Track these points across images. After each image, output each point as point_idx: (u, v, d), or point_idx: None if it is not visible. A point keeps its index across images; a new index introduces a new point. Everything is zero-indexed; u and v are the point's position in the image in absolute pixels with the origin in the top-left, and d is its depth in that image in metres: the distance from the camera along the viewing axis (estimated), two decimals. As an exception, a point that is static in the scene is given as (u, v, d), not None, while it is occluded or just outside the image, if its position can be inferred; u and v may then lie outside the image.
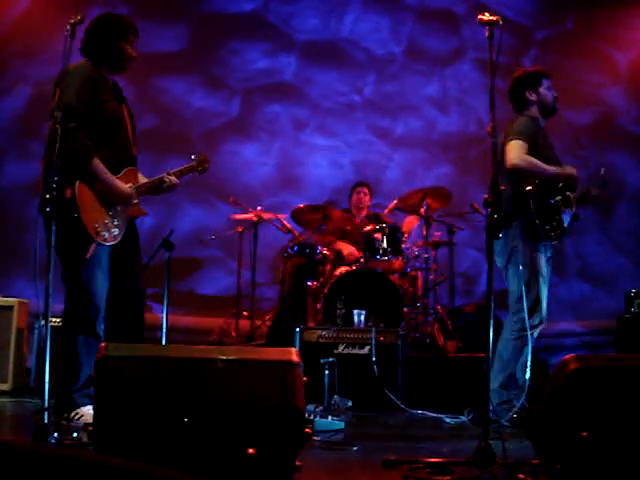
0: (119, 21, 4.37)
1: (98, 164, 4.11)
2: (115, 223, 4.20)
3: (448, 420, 4.91)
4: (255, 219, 7.29)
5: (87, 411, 4.02)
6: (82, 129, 4.07)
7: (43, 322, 3.46)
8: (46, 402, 3.37)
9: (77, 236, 4.06)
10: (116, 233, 4.20)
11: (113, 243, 4.20)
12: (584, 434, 2.77)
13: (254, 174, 8.74)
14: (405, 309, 6.32)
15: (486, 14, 3.63)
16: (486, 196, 3.48)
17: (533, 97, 4.99)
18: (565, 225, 4.77)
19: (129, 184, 4.31)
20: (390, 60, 9.09)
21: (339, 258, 6.88)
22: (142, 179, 4.50)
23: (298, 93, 9.00)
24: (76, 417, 4.09)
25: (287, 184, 8.83)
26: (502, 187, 3.48)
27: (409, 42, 9.11)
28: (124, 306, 4.39)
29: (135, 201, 4.33)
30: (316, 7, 9.08)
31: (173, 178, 4.52)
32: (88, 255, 4.08)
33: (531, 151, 4.71)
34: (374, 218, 7.16)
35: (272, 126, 8.91)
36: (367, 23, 9.09)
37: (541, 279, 4.74)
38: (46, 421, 3.31)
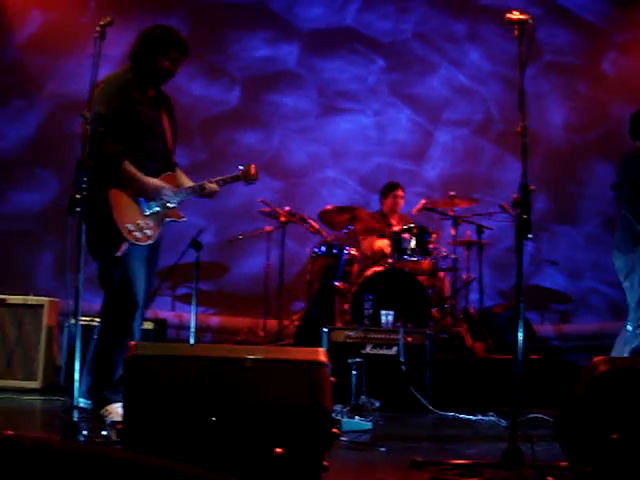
0: (162, 35, 4.40)
1: (128, 165, 4.21)
2: (149, 224, 4.28)
3: (476, 419, 4.91)
4: (284, 219, 7.27)
5: (116, 409, 4.06)
6: (112, 135, 4.16)
7: (73, 321, 3.49)
8: (76, 400, 3.40)
9: (110, 236, 4.15)
10: (149, 234, 4.28)
11: (147, 243, 4.28)
12: (615, 436, 2.74)
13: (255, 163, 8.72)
14: (433, 310, 6.29)
15: (515, 12, 3.59)
16: (515, 196, 3.46)
17: None
18: None
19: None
20: (396, 48, 9.01)
21: (375, 255, 6.85)
22: (186, 182, 4.58)
23: (301, 82, 8.95)
24: (105, 414, 4.13)
25: (286, 172, 8.79)
26: (532, 187, 3.45)
27: (415, 30, 9.02)
28: None
29: (172, 205, 4.40)
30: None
31: (214, 185, 4.58)
32: (118, 253, 4.17)
33: None
34: (405, 222, 7.09)
35: (273, 115, 8.87)
36: (372, 11, 9.02)
37: None
38: (75, 419, 3.35)
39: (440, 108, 8.94)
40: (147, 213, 4.28)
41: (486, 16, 8.73)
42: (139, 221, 4.23)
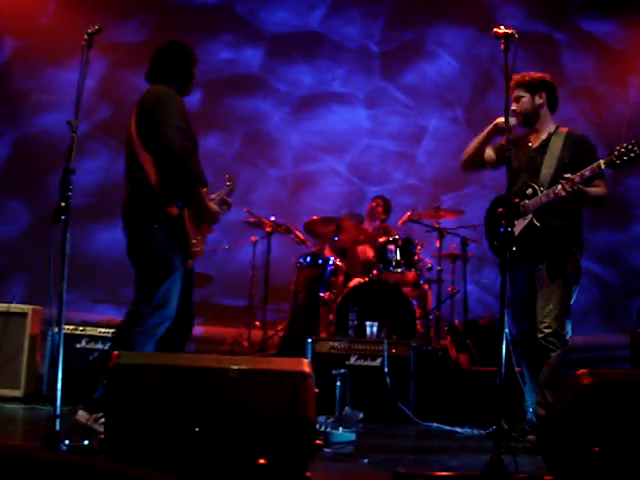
0: (189, 49, 4.49)
1: (201, 188, 4.28)
2: (200, 239, 4.36)
3: (461, 431, 4.91)
4: (269, 229, 7.26)
5: None
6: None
7: (56, 329, 3.47)
8: (58, 409, 3.37)
9: (184, 250, 4.19)
10: (198, 249, 4.35)
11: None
12: (596, 449, 2.75)
13: (216, 165, 8.73)
14: (418, 321, 6.29)
15: (502, 27, 3.62)
16: (500, 209, 3.47)
17: None
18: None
19: None
20: (361, 54, 9.10)
21: (363, 263, 6.91)
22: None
23: (264, 86, 8.99)
24: (100, 420, 4.07)
25: (250, 177, 8.83)
26: (516, 200, 3.47)
27: (382, 36, 9.10)
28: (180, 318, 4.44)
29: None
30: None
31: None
32: (190, 267, 4.27)
33: None
34: (385, 231, 7.11)
35: (235, 118, 8.89)
36: (338, 16, 9.08)
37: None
38: (57, 428, 3.32)
39: (407, 115, 9.04)
40: (198, 230, 4.33)
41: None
42: (198, 237, 4.31)
